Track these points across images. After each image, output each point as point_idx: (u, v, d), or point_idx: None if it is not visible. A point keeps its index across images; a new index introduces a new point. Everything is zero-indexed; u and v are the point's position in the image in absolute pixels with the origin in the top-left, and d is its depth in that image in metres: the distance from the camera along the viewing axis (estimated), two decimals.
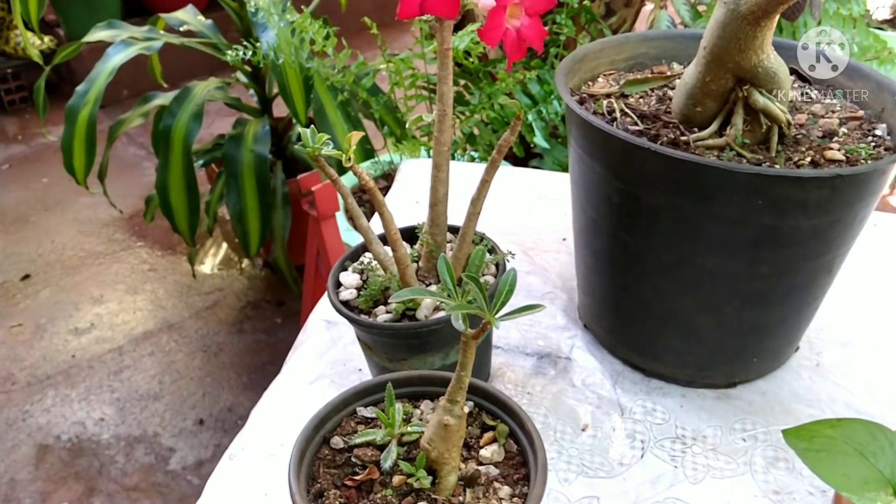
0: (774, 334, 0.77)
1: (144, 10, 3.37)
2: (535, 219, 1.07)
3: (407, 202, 1.10)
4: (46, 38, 3.42)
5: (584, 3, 1.67)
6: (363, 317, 0.71)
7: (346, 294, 0.74)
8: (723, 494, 0.70)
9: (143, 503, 1.76)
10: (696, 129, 0.73)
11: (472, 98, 1.53)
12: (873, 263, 0.97)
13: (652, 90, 0.81)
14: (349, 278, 0.75)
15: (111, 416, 1.96)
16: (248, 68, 2.07)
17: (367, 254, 0.78)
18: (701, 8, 1.56)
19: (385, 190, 1.88)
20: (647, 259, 0.73)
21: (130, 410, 1.97)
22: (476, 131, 1.58)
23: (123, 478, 1.81)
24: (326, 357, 0.85)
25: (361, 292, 0.73)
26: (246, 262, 2.45)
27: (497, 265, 0.75)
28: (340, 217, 1.59)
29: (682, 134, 0.72)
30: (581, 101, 0.78)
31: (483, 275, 0.74)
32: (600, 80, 0.84)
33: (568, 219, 1.04)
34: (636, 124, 0.74)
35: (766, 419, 0.77)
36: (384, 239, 0.73)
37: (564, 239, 1.01)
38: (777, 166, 0.68)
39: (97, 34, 1.98)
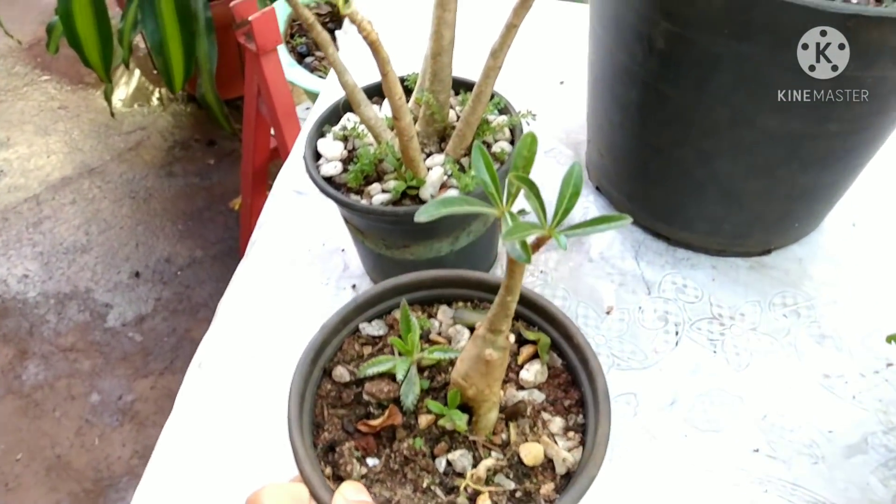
0: (822, 197, 0.67)
1: None
2: (518, 56, 0.91)
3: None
4: None
5: None
6: (354, 198, 0.58)
7: (329, 168, 0.60)
8: (769, 382, 0.62)
9: (83, 364, 1.65)
10: None
11: None
12: None
13: None
14: (330, 148, 0.61)
15: (35, 271, 1.80)
16: None
17: (350, 115, 0.63)
18: None
19: (329, 18, 1.67)
20: (693, 116, 0.61)
21: (57, 265, 1.81)
22: None
23: (57, 338, 1.69)
24: (299, 236, 0.72)
25: (349, 167, 0.59)
26: (165, 92, 2.21)
27: (512, 130, 0.61)
28: (282, 50, 1.39)
29: None
30: None
31: (496, 140, 0.61)
32: None
33: (565, 57, 0.90)
34: None
35: (806, 291, 0.69)
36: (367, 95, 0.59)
37: (562, 82, 0.87)
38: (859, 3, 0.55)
39: None
